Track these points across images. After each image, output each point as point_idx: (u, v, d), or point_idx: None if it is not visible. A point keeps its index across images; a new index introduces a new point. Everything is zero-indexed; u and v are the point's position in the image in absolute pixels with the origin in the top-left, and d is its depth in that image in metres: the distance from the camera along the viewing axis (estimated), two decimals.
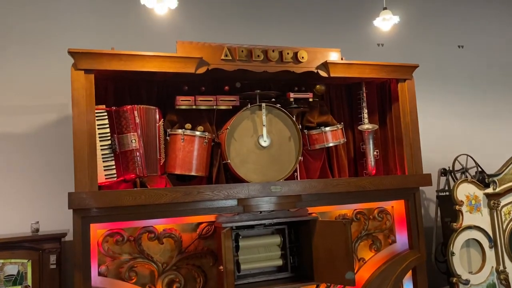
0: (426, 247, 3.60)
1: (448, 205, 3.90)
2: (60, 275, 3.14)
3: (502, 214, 3.91)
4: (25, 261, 3.05)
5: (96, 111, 2.93)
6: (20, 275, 3.03)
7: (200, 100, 3.27)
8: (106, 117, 3.03)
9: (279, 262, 3.27)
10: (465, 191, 3.80)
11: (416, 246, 3.50)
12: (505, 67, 5.34)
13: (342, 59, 3.50)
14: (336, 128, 3.60)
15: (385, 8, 3.65)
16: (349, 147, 3.87)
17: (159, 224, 2.97)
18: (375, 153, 3.70)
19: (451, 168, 4.35)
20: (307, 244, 3.22)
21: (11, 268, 3.03)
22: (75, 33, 3.76)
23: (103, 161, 2.98)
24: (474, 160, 4.32)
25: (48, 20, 3.76)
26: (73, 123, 2.80)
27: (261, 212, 3.10)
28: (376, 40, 4.74)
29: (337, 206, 3.39)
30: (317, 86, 3.59)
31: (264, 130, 3.29)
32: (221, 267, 2.75)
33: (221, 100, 3.32)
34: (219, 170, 3.33)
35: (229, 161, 3.18)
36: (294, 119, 3.41)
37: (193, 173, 3.19)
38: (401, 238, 3.55)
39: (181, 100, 3.23)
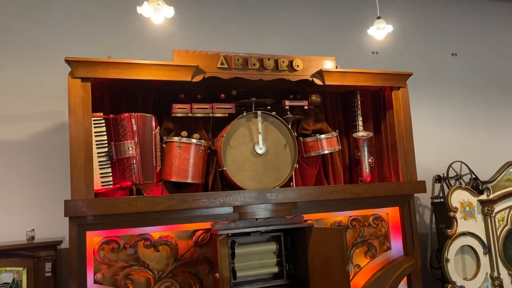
0: (421, 253, 3.62)
1: (443, 212, 3.92)
2: (56, 283, 3.13)
3: (496, 220, 3.94)
4: (20, 269, 3.04)
5: (94, 118, 2.95)
6: (15, 283, 3.02)
7: (196, 108, 3.29)
8: (104, 124, 3.05)
9: (275, 269, 3.28)
10: (459, 197, 3.83)
11: (411, 252, 3.52)
12: (498, 75, 5.40)
13: (336, 67, 3.54)
14: (331, 136, 3.63)
15: (378, 18, 3.69)
16: (344, 155, 3.90)
17: (155, 232, 2.98)
18: (369, 160, 3.73)
19: (445, 175, 4.38)
20: (303, 251, 3.23)
21: (6, 276, 3.01)
22: (72, 41, 3.78)
23: (100, 169, 2.99)
24: (468, 167, 4.35)
25: (45, 28, 3.79)
26: (70, 131, 2.81)
27: (257, 219, 3.11)
28: (371, 48, 4.79)
29: (332, 213, 3.41)
30: (313, 97, 3.62)
31: (260, 137, 3.31)
32: (217, 275, 2.76)
33: (217, 108, 3.34)
34: (215, 178, 3.34)
35: (225, 168, 3.19)
36: (289, 126, 3.43)
37: (189, 181, 3.20)
38: (396, 245, 3.57)
39: (177, 108, 3.25)
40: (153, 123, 3.20)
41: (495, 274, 3.82)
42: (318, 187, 3.41)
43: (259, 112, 3.34)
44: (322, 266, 3.08)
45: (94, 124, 2.95)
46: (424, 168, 4.18)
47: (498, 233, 3.92)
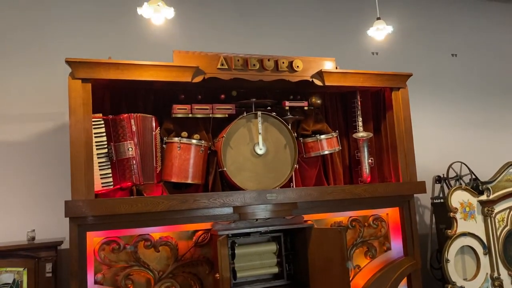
0: (421, 254, 3.62)
1: (443, 212, 3.93)
2: (56, 284, 3.14)
3: (496, 221, 3.94)
4: (21, 269, 3.04)
5: (93, 119, 2.96)
6: (15, 284, 3.03)
7: (196, 109, 3.29)
8: (103, 125, 3.05)
9: (275, 270, 3.28)
10: (459, 198, 3.83)
11: (411, 253, 3.52)
12: (498, 75, 5.40)
13: (336, 68, 3.54)
14: (331, 136, 3.64)
15: (378, 18, 3.70)
16: (344, 155, 3.90)
17: (156, 232, 2.98)
18: (369, 161, 3.73)
19: (445, 176, 4.38)
20: (303, 251, 3.24)
21: (7, 276, 3.02)
22: (72, 42, 3.79)
23: (100, 169, 3.00)
24: (468, 168, 4.35)
25: (45, 29, 3.80)
26: (70, 132, 2.81)
27: (257, 219, 3.11)
28: (371, 49, 4.80)
29: (332, 213, 3.41)
30: (313, 99, 3.63)
31: (260, 138, 3.32)
32: (217, 275, 2.76)
33: (217, 109, 3.35)
34: (215, 178, 3.34)
35: (225, 169, 3.20)
36: (289, 127, 3.44)
37: (189, 181, 3.21)
38: (396, 245, 3.57)
39: (178, 109, 3.25)
40: (153, 124, 3.20)
41: (495, 274, 3.83)
42: (318, 187, 3.41)
43: (259, 113, 3.34)
44: (322, 266, 3.09)
45: (93, 125, 2.95)
46: (424, 169, 4.19)
47: (498, 233, 3.92)
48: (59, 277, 3.23)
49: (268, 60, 3.30)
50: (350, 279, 3.20)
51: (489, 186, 3.95)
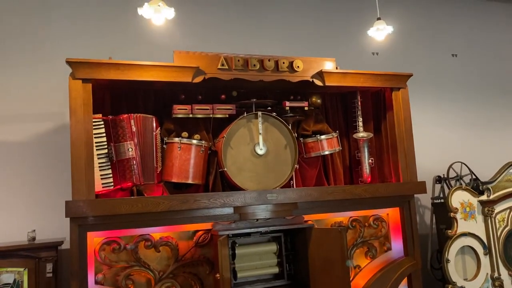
0: (422, 254, 3.62)
1: (443, 212, 3.92)
2: (57, 284, 3.13)
3: (497, 221, 3.94)
4: (22, 269, 3.04)
5: (93, 120, 2.95)
6: (16, 284, 3.03)
7: (197, 109, 3.29)
8: (103, 126, 3.05)
9: (276, 270, 3.28)
10: (459, 198, 3.84)
11: (411, 253, 3.53)
12: (498, 75, 5.40)
13: (337, 68, 3.54)
14: (331, 136, 3.64)
15: (379, 18, 3.70)
16: (345, 155, 3.90)
17: (156, 232, 2.98)
18: (370, 161, 3.73)
19: (445, 176, 4.38)
20: (303, 251, 3.24)
21: (8, 276, 3.02)
22: (73, 42, 3.79)
23: (100, 170, 3.00)
24: (468, 168, 4.35)
25: (46, 30, 3.80)
26: (71, 132, 2.82)
27: (257, 220, 3.11)
28: (371, 49, 4.80)
29: (333, 213, 3.41)
30: (313, 98, 3.63)
31: (260, 138, 3.32)
32: (217, 275, 2.76)
33: (217, 109, 3.34)
34: (215, 178, 3.35)
35: (225, 169, 3.20)
36: (290, 127, 3.44)
37: (189, 181, 3.21)
38: (397, 245, 3.57)
39: (178, 109, 3.25)
40: (154, 124, 3.20)
41: (496, 274, 3.83)
42: (318, 187, 3.41)
43: (259, 113, 3.35)
44: (323, 266, 3.09)
45: (93, 125, 2.95)
46: (424, 169, 4.18)
47: (499, 233, 3.92)
48: (59, 277, 3.23)
49: (269, 60, 3.30)
50: (351, 279, 3.20)
51: (489, 186, 3.96)
